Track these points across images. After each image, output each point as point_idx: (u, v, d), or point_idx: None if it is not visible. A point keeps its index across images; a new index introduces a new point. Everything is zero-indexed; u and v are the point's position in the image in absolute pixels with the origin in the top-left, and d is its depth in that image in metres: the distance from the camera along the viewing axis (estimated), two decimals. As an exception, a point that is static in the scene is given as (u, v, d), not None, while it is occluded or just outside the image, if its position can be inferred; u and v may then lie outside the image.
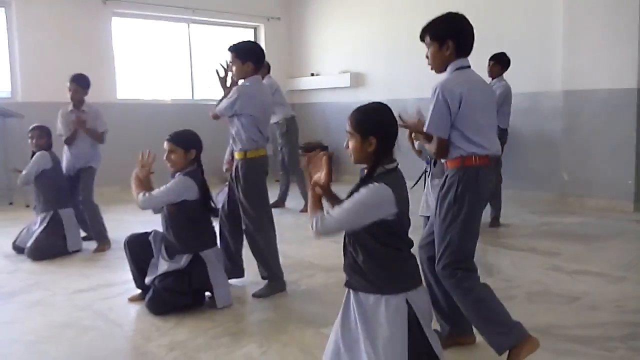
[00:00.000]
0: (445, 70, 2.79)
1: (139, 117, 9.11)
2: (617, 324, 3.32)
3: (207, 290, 3.76)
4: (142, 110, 9.27)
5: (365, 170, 2.33)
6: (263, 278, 4.04)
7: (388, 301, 2.28)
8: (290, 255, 4.95)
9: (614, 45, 6.69)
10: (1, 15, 8.27)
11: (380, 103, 2.38)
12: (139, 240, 3.80)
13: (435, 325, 2.84)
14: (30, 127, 5.32)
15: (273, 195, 7.16)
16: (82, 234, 5.53)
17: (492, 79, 5.98)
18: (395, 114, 2.42)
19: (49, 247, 5.07)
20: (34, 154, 5.25)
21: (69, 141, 5.39)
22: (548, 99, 7.29)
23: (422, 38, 2.84)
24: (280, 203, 7.48)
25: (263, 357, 2.98)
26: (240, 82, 4.00)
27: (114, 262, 4.84)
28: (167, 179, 3.67)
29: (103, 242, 5.38)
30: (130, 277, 3.92)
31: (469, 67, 2.79)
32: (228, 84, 4.04)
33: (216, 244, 3.87)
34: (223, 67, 4.06)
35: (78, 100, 5.39)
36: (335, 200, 2.42)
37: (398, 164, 2.35)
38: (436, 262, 2.78)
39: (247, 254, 4.17)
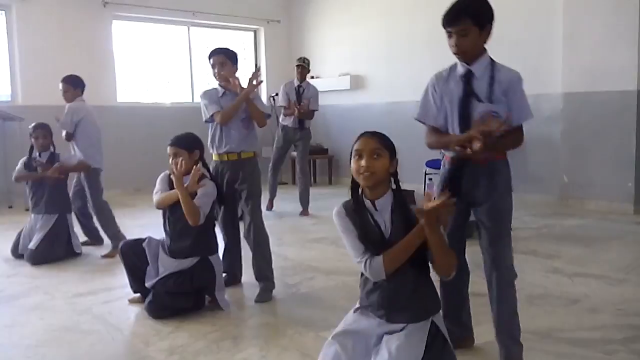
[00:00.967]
0: (474, 58, 2.66)
1: (139, 120, 9.12)
2: (617, 326, 3.31)
3: (207, 293, 3.75)
4: (142, 114, 9.28)
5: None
6: (258, 279, 4.04)
7: (433, 324, 2.29)
8: (290, 258, 4.95)
9: (613, 48, 6.69)
10: (1, 18, 8.28)
11: None
12: (133, 247, 3.79)
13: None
14: (33, 126, 5.25)
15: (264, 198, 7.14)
16: (82, 238, 5.52)
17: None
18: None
19: (50, 252, 5.04)
20: (30, 154, 5.22)
21: (69, 138, 5.37)
22: (548, 101, 7.28)
23: (454, 22, 2.58)
24: (269, 204, 7.46)
25: (263, 361, 2.97)
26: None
27: (114, 266, 4.82)
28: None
29: (118, 242, 5.33)
30: (130, 281, 3.92)
31: None
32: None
33: (218, 249, 3.89)
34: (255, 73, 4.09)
35: (70, 99, 5.35)
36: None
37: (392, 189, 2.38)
38: (496, 260, 2.72)
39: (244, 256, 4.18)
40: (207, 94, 4.14)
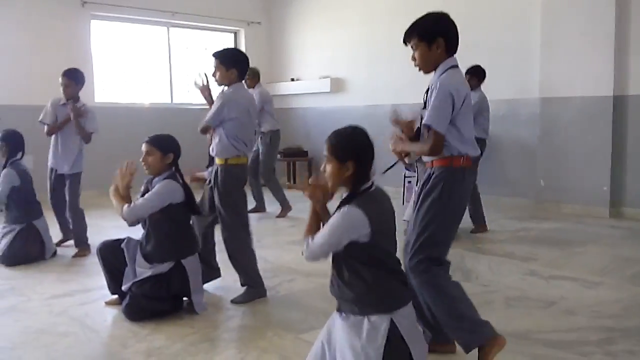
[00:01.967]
0: (433, 70, 2.78)
1: (117, 121, 9.01)
2: (593, 328, 3.36)
3: (185, 296, 3.72)
4: (121, 114, 9.18)
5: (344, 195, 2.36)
6: (242, 285, 4.02)
7: (370, 321, 2.28)
8: (270, 260, 4.94)
9: (590, 54, 6.80)
10: (-23, 17, 8.14)
11: (357, 127, 2.38)
12: (111, 247, 3.75)
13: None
14: (1, 134, 5.16)
15: (250, 201, 7.12)
16: (55, 239, 5.45)
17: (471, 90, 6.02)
18: (390, 114, 2.44)
19: (26, 255, 4.98)
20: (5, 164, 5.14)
21: (52, 132, 5.27)
22: (525, 106, 7.38)
23: (407, 40, 2.80)
24: (260, 208, 7.47)
25: (242, 363, 2.96)
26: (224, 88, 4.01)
27: (91, 268, 4.77)
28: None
29: (83, 247, 5.32)
30: (107, 282, 3.88)
31: (458, 66, 2.80)
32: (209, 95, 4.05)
33: (197, 250, 3.83)
34: (202, 77, 4.05)
35: (70, 95, 5.22)
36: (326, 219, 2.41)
37: (373, 182, 2.37)
38: (409, 256, 2.77)
39: (224, 258, 4.15)
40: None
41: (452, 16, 2.81)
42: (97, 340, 3.32)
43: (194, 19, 9.97)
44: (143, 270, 3.62)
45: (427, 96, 2.81)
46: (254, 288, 3.98)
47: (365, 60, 9.34)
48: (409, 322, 2.37)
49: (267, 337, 3.29)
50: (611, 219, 6.71)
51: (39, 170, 5.80)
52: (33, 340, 3.30)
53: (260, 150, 7.32)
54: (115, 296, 3.82)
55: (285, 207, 7.25)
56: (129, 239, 3.73)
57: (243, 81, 4.06)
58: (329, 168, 2.34)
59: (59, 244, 5.51)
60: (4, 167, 5.13)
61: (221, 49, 4.08)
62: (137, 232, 3.77)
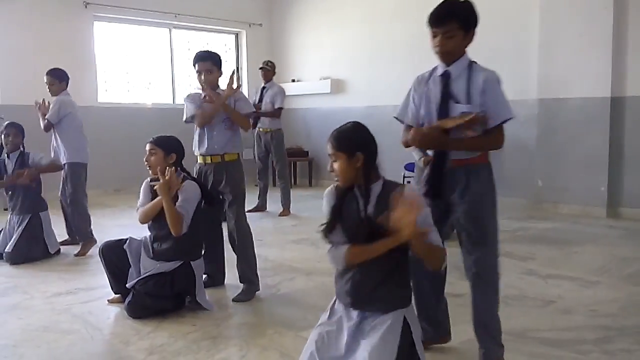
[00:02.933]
0: (453, 61, 2.66)
1: (120, 121, 9.09)
2: (590, 327, 3.39)
3: (188, 295, 3.76)
4: (123, 114, 9.25)
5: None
6: (241, 281, 4.06)
7: (395, 317, 2.29)
8: (270, 258, 4.98)
9: (588, 55, 6.84)
10: (-20, 18, 8.19)
11: (356, 121, 2.39)
12: (113, 248, 3.79)
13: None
14: (4, 125, 5.22)
15: (252, 201, 7.17)
16: (60, 238, 5.48)
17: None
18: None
19: (29, 252, 5.02)
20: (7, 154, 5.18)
21: (47, 128, 5.37)
22: (523, 107, 7.38)
23: (441, 23, 2.59)
24: (262, 208, 7.52)
25: (242, 360, 2.99)
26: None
27: (93, 266, 4.81)
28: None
29: (87, 240, 5.33)
30: (109, 280, 3.92)
31: None
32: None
33: (202, 254, 3.88)
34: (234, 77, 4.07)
35: (56, 93, 5.37)
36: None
37: (384, 179, 2.36)
38: (477, 262, 2.78)
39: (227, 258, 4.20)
40: (190, 97, 4.16)
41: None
42: (99, 337, 3.35)
43: (196, 20, 10.02)
44: (148, 268, 3.66)
45: (456, 88, 2.64)
46: (252, 284, 4.04)
47: (366, 62, 9.37)
48: (415, 318, 2.42)
49: (267, 334, 3.33)
50: (608, 219, 6.74)
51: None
52: (36, 337, 3.33)
53: (273, 151, 7.37)
54: (118, 295, 3.86)
55: (288, 207, 7.30)
56: (131, 240, 3.76)
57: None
58: (337, 165, 2.31)
59: (63, 243, 5.53)
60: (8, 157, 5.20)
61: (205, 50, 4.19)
62: (137, 232, 3.82)
